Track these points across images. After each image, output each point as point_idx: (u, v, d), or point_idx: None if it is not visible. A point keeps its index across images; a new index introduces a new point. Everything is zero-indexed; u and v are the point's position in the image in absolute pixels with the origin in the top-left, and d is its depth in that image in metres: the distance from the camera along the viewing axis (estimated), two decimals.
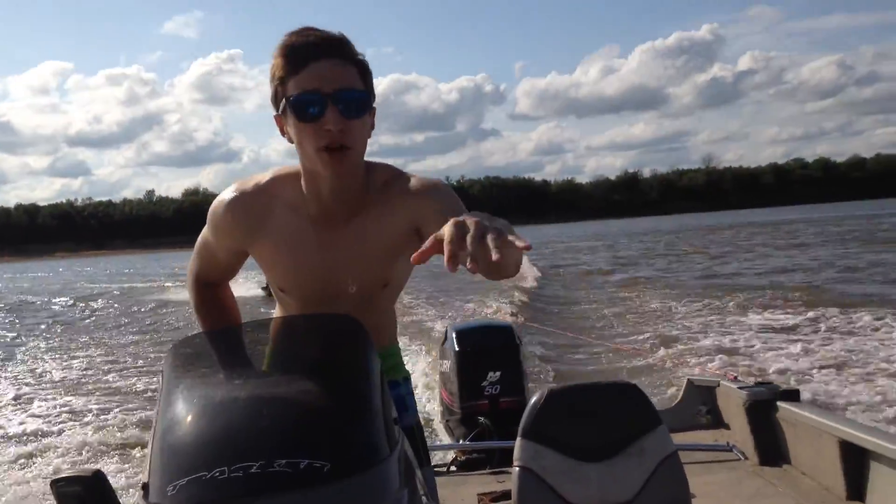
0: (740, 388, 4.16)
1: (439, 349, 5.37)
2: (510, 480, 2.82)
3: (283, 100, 1.78)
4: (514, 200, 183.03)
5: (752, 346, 10.13)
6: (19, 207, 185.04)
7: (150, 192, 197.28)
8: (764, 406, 3.95)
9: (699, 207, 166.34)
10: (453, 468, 4.66)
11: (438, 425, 5.65)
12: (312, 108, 1.75)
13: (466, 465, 4.65)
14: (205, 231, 2.06)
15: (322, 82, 1.74)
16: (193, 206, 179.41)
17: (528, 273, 22.59)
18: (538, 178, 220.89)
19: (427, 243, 1.31)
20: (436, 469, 4.47)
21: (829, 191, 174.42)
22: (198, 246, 2.11)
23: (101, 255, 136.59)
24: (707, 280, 20.77)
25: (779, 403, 3.89)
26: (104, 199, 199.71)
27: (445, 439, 5.19)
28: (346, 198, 1.87)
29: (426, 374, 8.78)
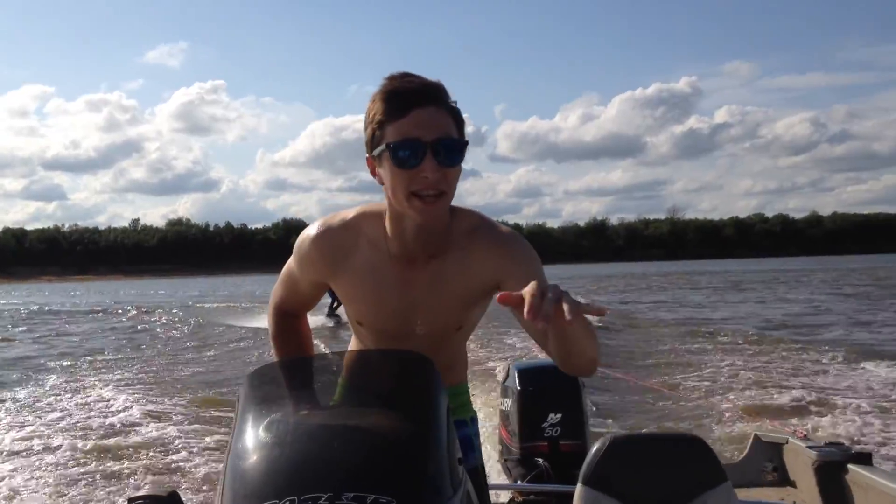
0: (809, 447, 3.98)
1: (500, 387, 5.23)
2: None
3: (382, 144, 1.77)
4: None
5: (821, 403, 9.69)
6: (7, 231, 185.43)
7: (135, 221, 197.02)
8: (834, 467, 3.78)
9: (662, 256, 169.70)
10: None
11: (496, 465, 5.53)
12: (412, 156, 1.74)
13: None
14: (290, 261, 2.08)
15: (423, 130, 1.74)
16: (177, 236, 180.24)
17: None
18: (515, 219, 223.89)
19: (515, 294, 1.43)
20: None
21: (786, 245, 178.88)
22: (282, 275, 2.14)
23: (86, 279, 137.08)
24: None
25: (849, 466, 3.72)
26: (90, 225, 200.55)
27: (502, 479, 5.07)
28: (429, 240, 1.88)
29: (484, 411, 8.41)
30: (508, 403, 4.95)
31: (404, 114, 1.74)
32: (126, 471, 6.81)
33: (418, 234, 1.87)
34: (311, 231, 1.98)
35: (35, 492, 6.12)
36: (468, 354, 2.27)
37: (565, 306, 1.39)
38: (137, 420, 8.95)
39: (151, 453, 7.49)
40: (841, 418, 8.76)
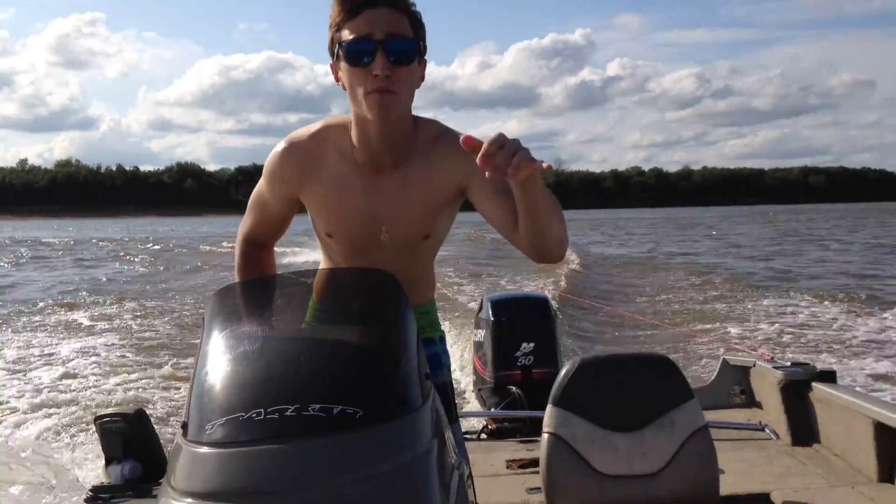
0: (776, 367, 3.99)
1: (474, 318, 5.21)
2: (539, 448, 2.74)
3: (337, 45, 1.77)
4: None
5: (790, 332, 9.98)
6: None
7: (23, 161, 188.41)
8: (799, 386, 3.77)
9: None
10: (483, 436, 4.51)
11: (470, 394, 5.46)
12: (363, 53, 1.73)
13: (497, 433, 4.50)
14: (259, 184, 2.03)
15: (373, 28, 1.73)
16: (67, 177, 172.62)
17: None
18: None
19: (477, 141, 1.48)
20: (466, 436, 4.24)
21: (658, 196, 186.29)
22: (251, 202, 2.08)
23: None
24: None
25: (814, 384, 3.72)
26: None
27: (477, 408, 5.03)
28: (393, 146, 1.85)
29: (458, 341, 8.40)
30: (482, 334, 4.94)
31: (357, 13, 1.74)
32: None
33: (382, 140, 1.84)
34: (279, 146, 1.95)
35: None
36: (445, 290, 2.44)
37: (517, 158, 1.45)
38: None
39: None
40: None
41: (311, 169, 1.90)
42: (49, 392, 7.06)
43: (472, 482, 1.70)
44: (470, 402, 5.54)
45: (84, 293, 16.43)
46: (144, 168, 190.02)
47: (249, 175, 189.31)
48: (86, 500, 1.96)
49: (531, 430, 4.13)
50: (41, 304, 14.45)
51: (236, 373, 1.48)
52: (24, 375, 7.98)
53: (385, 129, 1.82)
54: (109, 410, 2.08)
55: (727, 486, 2.82)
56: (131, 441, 2.04)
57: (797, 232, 41.31)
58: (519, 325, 4.77)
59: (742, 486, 3.10)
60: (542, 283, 14.84)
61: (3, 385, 7.37)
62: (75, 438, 5.09)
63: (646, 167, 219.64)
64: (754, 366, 4.33)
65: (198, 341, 1.59)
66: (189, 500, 1.28)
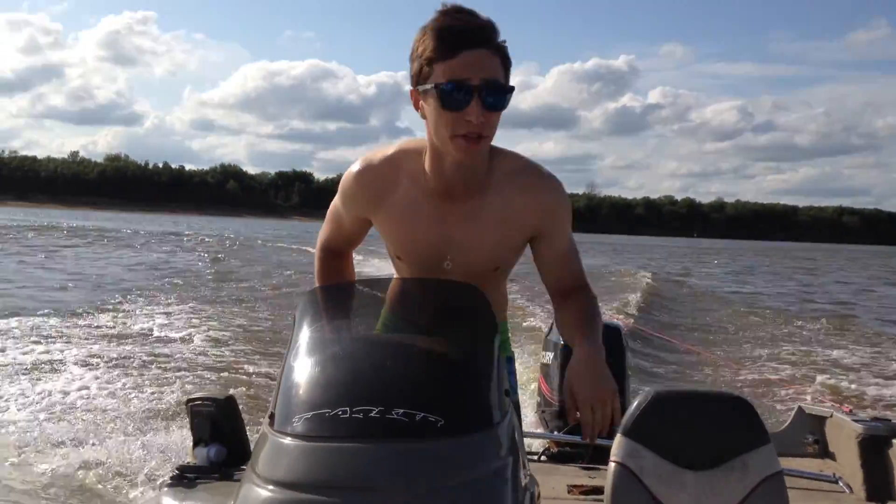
0: (854, 420, 3.83)
1: (543, 340, 5.06)
2: (601, 477, 2.63)
3: (429, 82, 1.72)
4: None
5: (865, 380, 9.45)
6: None
7: (75, 153, 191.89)
8: (878, 441, 3.62)
9: (577, 228, 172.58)
10: (544, 458, 4.42)
11: (533, 416, 5.35)
12: (460, 98, 1.69)
13: (558, 457, 4.40)
14: (335, 200, 2.04)
15: (471, 73, 1.68)
16: (115, 171, 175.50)
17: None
18: None
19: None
20: (528, 455, 4.12)
21: (688, 226, 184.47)
22: (329, 213, 2.10)
23: (25, 206, 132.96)
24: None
25: (894, 441, 3.57)
26: (29, 154, 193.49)
27: (539, 430, 4.93)
28: (468, 177, 1.84)
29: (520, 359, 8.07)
30: (550, 357, 4.79)
31: (454, 54, 1.68)
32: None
33: (457, 171, 1.82)
34: (354, 168, 1.93)
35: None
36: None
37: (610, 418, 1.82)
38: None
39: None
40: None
41: (384, 193, 1.90)
42: (147, 369, 7.24)
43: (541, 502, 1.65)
44: (532, 423, 5.36)
45: (179, 280, 16.69)
46: (189, 167, 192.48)
47: (288, 180, 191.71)
48: (171, 478, 1.98)
49: (594, 458, 4.01)
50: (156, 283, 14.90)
51: (325, 370, 1.51)
52: (128, 348, 8.18)
53: (463, 164, 1.82)
54: (201, 394, 2.12)
55: None
56: (219, 425, 2.07)
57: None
58: None
59: None
60: (611, 312, 14.46)
61: (108, 361, 7.49)
62: (168, 421, 5.22)
63: (681, 196, 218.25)
64: (831, 416, 4.12)
65: (287, 338, 1.59)
66: (271, 486, 1.31)
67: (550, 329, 4.93)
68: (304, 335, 1.59)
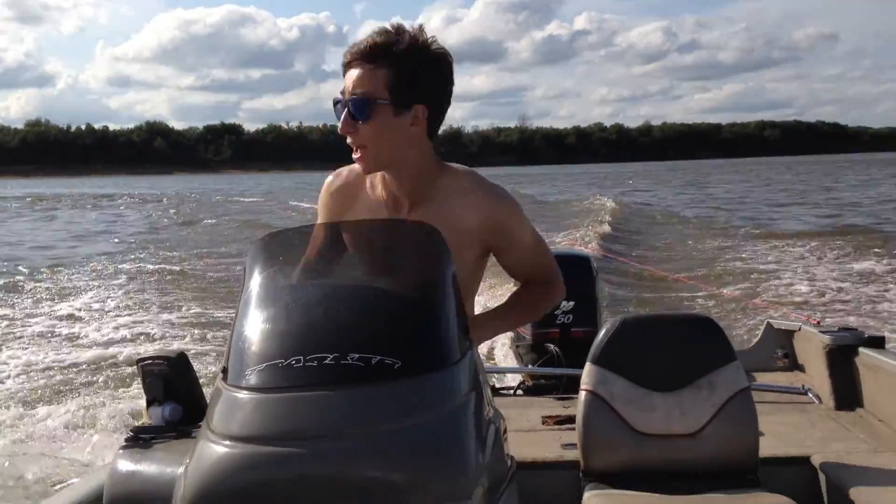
0: (822, 332, 3.85)
1: None
2: (574, 406, 2.67)
3: None
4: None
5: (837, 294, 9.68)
6: None
7: None
8: (845, 351, 3.61)
9: (514, 161, 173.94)
10: (520, 392, 4.40)
11: (508, 351, 5.33)
12: (336, 113, 1.84)
13: (533, 389, 4.36)
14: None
15: (347, 89, 1.82)
16: (37, 137, 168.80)
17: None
18: None
19: None
20: (503, 392, 4.34)
21: (618, 152, 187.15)
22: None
23: None
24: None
25: (861, 349, 3.56)
26: None
27: (513, 364, 4.90)
28: (412, 188, 1.91)
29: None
30: None
31: (344, 73, 1.85)
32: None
33: (393, 182, 1.91)
34: (328, 178, 2.05)
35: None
36: None
37: None
38: None
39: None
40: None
41: (348, 202, 1.99)
42: (90, 337, 7.26)
43: (507, 436, 1.63)
44: (507, 357, 5.40)
45: (115, 240, 16.50)
46: (113, 127, 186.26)
47: (218, 134, 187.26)
48: (126, 440, 1.89)
49: (567, 388, 4.01)
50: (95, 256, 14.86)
51: (277, 320, 1.47)
52: (68, 322, 8.15)
53: (390, 175, 1.91)
54: (151, 353, 2.02)
55: (767, 449, 2.73)
56: (172, 383, 1.98)
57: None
58: None
59: (782, 449, 2.98)
60: (574, 239, 14.84)
61: (52, 331, 7.50)
62: (117, 382, 5.12)
63: (612, 122, 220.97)
64: (800, 329, 4.16)
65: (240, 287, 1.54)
66: (227, 442, 1.28)
67: None
68: (255, 285, 1.55)
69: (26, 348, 6.82)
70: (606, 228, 17.64)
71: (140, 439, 1.83)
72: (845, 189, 34.85)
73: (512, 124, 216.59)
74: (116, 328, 7.78)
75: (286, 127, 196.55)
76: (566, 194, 33.50)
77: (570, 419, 3.16)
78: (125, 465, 1.67)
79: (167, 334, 7.40)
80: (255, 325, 1.47)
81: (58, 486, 3.81)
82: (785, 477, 2.75)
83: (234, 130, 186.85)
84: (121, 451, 1.84)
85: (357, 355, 1.34)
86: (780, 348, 4.30)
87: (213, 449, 1.29)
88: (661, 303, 9.49)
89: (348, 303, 1.51)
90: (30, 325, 8.20)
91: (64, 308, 9.16)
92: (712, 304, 9.22)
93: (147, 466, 1.62)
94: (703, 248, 15.13)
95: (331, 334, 1.40)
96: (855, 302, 9.25)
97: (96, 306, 9.33)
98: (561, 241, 15.03)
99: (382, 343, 1.38)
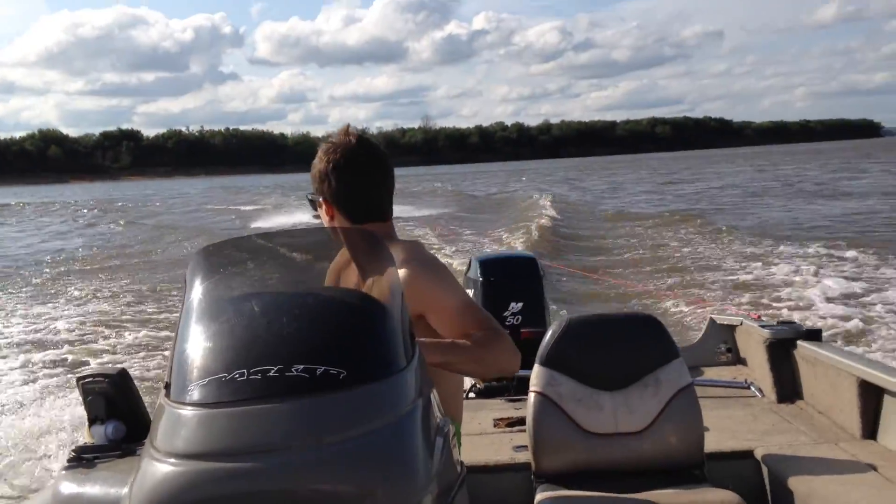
0: (762, 326, 3.92)
1: (463, 279, 4.92)
2: (525, 408, 2.70)
3: None
4: (254, 152, 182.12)
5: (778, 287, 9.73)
6: None
7: None
8: (785, 344, 3.68)
9: (418, 161, 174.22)
10: (472, 395, 4.36)
11: None
12: None
13: (485, 392, 4.36)
14: None
15: None
16: None
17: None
18: (280, 126, 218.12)
19: None
20: None
21: (520, 150, 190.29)
22: None
23: None
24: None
25: (799, 342, 3.61)
26: None
27: None
28: (356, 260, 1.88)
29: None
30: (471, 294, 4.65)
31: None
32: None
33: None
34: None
35: None
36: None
37: None
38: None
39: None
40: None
41: (336, 265, 1.96)
42: (30, 354, 6.97)
43: (459, 440, 1.61)
44: None
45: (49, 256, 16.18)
46: (5, 136, 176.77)
47: (115, 140, 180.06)
48: (69, 461, 1.85)
49: (518, 390, 4.01)
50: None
51: (219, 333, 1.43)
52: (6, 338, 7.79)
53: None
54: (91, 370, 1.96)
55: (712, 443, 2.79)
56: (115, 401, 1.93)
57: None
58: (507, 285, 4.62)
59: (726, 444, 3.04)
60: (514, 240, 15.00)
61: None
62: (58, 401, 4.90)
63: (514, 121, 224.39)
64: (741, 324, 4.24)
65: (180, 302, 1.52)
66: (172, 460, 1.25)
67: (469, 267, 4.94)
68: (195, 298, 1.52)
69: None
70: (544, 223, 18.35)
71: (83, 459, 1.76)
72: (699, 182, 38.67)
73: (416, 125, 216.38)
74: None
75: (187, 131, 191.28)
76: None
77: (522, 421, 3.16)
78: (68, 487, 1.62)
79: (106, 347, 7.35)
80: (197, 339, 1.43)
81: None
82: (730, 471, 2.79)
83: (132, 136, 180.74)
84: (63, 471, 1.78)
85: (301, 366, 1.31)
86: (722, 343, 4.39)
87: (158, 467, 1.25)
88: (601, 299, 9.79)
89: (291, 313, 1.45)
90: None
91: None
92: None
93: (91, 487, 1.58)
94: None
95: (274, 346, 1.37)
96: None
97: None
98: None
99: (327, 353, 1.35)
